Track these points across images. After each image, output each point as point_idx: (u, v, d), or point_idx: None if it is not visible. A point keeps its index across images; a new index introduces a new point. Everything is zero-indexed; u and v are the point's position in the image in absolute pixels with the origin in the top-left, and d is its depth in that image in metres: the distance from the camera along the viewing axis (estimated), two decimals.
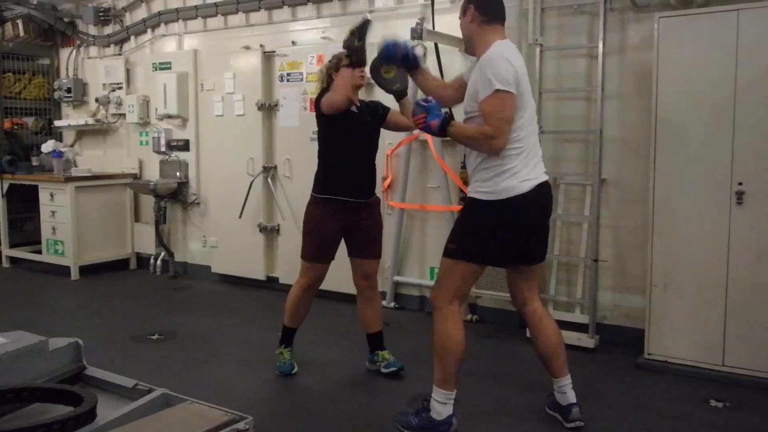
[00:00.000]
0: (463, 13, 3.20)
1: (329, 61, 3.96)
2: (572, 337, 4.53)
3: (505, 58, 3.01)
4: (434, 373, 3.19)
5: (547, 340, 3.31)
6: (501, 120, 2.97)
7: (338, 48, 5.53)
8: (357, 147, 3.89)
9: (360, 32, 3.62)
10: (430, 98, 3.21)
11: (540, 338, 3.33)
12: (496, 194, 3.04)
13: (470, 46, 3.24)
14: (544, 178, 3.17)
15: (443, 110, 3.14)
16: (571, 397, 3.33)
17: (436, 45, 5.12)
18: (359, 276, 4.02)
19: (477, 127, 3.05)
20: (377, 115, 3.99)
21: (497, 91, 2.95)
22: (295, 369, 4.08)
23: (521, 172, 3.05)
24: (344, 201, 3.83)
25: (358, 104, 3.83)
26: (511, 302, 3.56)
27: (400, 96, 3.82)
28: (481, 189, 3.10)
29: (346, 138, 3.85)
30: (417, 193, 5.49)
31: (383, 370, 4.04)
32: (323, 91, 3.87)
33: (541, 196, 3.13)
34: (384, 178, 5.57)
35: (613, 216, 4.67)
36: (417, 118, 3.13)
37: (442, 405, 3.17)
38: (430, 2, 5.18)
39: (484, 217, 3.10)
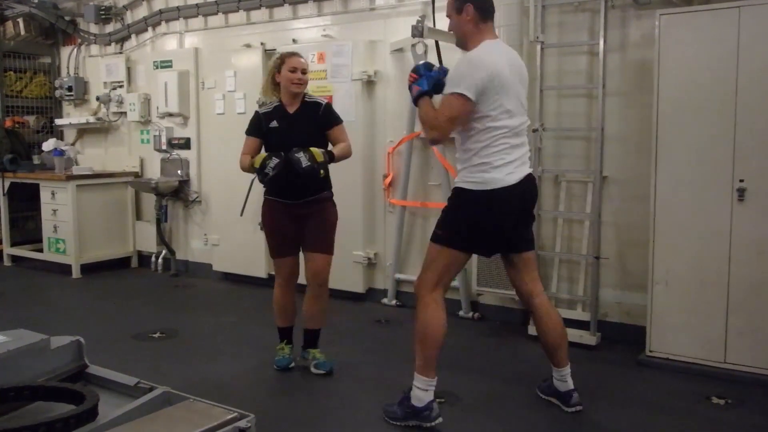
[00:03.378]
0: (458, 11, 3.27)
1: (275, 59, 4.00)
2: (574, 335, 4.53)
3: (481, 61, 3.13)
4: (415, 360, 3.29)
5: (553, 332, 3.44)
6: (447, 119, 3.14)
7: (340, 45, 5.56)
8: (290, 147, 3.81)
9: (264, 172, 3.80)
10: (437, 69, 3.33)
11: (546, 331, 3.45)
12: (483, 185, 3.17)
13: (463, 43, 3.34)
14: (528, 171, 3.31)
15: (435, 81, 3.26)
16: (571, 384, 3.47)
17: (436, 42, 5.10)
18: (308, 270, 3.99)
19: (432, 110, 3.20)
20: (314, 119, 3.91)
21: (456, 93, 3.09)
22: (293, 364, 4.11)
23: (507, 166, 3.19)
24: (281, 202, 3.90)
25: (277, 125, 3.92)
26: (517, 297, 3.66)
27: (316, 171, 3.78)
28: (468, 179, 3.22)
29: (275, 149, 3.84)
30: (418, 191, 5.49)
31: (313, 370, 4.04)
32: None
33: (525, 188, 3.27)
34: (385, 176, 5.58)
35: (614, 213, 4.67)
36: (412, 75, 3.30)
37: (423, 392, 3.27)
38: (430, 0, 5.17)
39: (470, 205, 3.22)
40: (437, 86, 3.27)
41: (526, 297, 3.49)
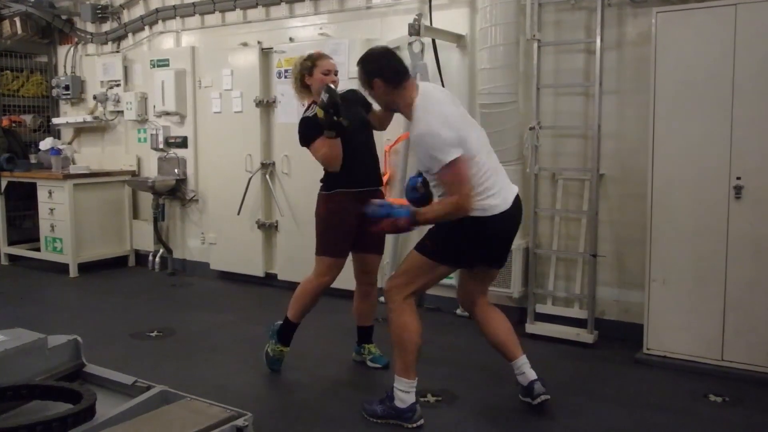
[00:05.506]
0: (369, 86, 3.27)
1: (304, 61, 3.88)
2: (571, 333, 4.55)
3: (437, 123, 3.04)
4: (395, 363, 3.30)
5: (496, 329, 3.46)
6: (463, 185, 3.04)
7: (336, 43, 5.55)
8: (354, 139, 3.80)
9: (333, 107, 3.47)
10: (380, 202, 3.35)
11: (489, 329, 3.48)
12: (483, 211, 3.12)
13: (392, 107, 3.35)
14: (516, 190, 3.32)
15: (401, 206, 3.23)
16: (531, 374, 3.41)
17: (433, 41, 5.12)
18: (360, 270, 4.03)
19: (444, 203, 3.12)
20: (364, 103, 3.93)
21: (451, 161, 3.01)
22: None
23: (502, 189, 3.20)
24: (355, 192, 3.77)
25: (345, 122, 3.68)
26: (457, 301, 3.66)
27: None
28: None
29: (342, 135, 3.79)
30: None
31: (369, 364, 4.11)
32: (308, 109, 3.80)
33: (516, 209, 3.29)
34: (382, 175, 5.57)
35: (611, 211, 4.67)
36: (384, 224, 3.19)
37: (405, 393, 3.27)
38: None
39: (470, 229, 3.16)
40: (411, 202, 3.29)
41: (468, 303, 3.54)
